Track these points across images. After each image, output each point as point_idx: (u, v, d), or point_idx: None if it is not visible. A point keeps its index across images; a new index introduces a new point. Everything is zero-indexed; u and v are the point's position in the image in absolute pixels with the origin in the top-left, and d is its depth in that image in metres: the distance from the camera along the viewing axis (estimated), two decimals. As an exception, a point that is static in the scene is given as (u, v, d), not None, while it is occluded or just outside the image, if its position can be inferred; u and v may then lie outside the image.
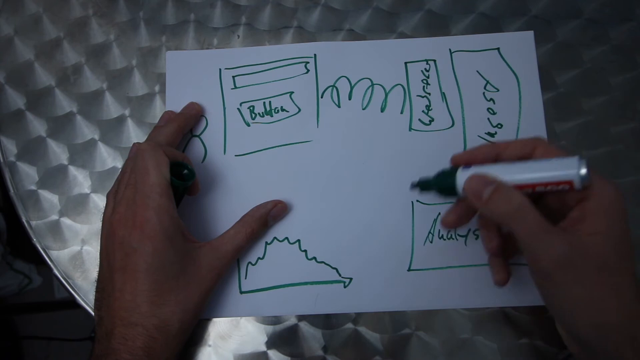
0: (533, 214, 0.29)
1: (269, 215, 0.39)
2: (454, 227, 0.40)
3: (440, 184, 0.35)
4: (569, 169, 0.29)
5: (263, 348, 0.39)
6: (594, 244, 0.28)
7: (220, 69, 0.44)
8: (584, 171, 0.29)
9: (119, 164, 0.43)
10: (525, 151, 0.32)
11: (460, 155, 0.35)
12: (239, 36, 0.45)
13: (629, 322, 0.28)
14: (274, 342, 0.39)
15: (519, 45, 0.44)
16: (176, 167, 0.37)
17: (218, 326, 0.40)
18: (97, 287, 0.36)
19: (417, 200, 0.41)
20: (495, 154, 0.33)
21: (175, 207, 0.35)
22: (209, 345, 0.39)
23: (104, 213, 0.36)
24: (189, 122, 0.42)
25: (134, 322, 0.32)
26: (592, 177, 0.30)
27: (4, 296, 0.93)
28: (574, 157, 0.30)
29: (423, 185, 0.36)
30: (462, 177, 0.33)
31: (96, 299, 0.35)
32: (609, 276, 0.28)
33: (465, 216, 0.36)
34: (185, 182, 0.37)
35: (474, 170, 0.33)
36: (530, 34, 0.44)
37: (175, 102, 0.43)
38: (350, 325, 0.40)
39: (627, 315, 0.28)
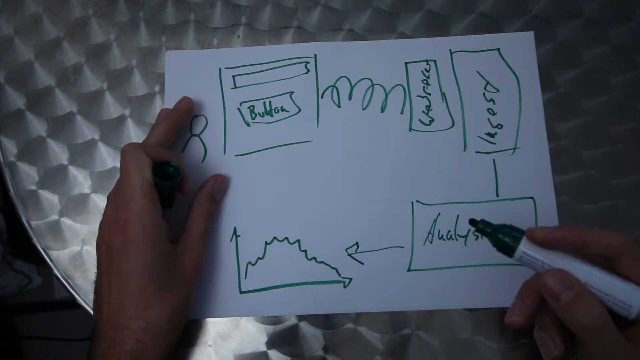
0: (612, 331, 0.28)
1: (214, 191, 0.40)
2: (521, 328, 0.33)
3: (499, 241, 0.33)
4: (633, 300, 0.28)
5: (263, 348, 0.39)
6: None
7: (220, 69, 0.44)
8: None
9: (119, 164, 0.43)
10: (612, 253, 0.30)
11: (537, 233, 0.31)
12: (239, 36, 0.45)
13: None
14: (274, 342, 0.39)
15: (519, 46, 0.44)
16: (162, 167, 0.36)
17: (218, 326, 0.40)
18: (94, 289, 0.36)
19: (417, 201, 0.41)
20: (581, 241, 0.30)
21: (159, 209, 0.35)
22: (209, 345, 0.39)
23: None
24: (182, 117, 0.41)
25: (121, 325, 0.32)
26: None
27: (4, 296, 0.93)
28: None
29: (481, 229, 0.34)
30: (526, 247, 0.32)
31: (93, 300, 0.35)
32: None
33: (533, 315, 0.32)
34: (171, 181, 0.37)
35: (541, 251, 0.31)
36: (530, 35, 0.44)
37: (175, 101, 0.43)
38: (350, 325, 0.40)
39: None
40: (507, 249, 0.32)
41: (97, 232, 0.41)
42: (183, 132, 0.42)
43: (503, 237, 0.32)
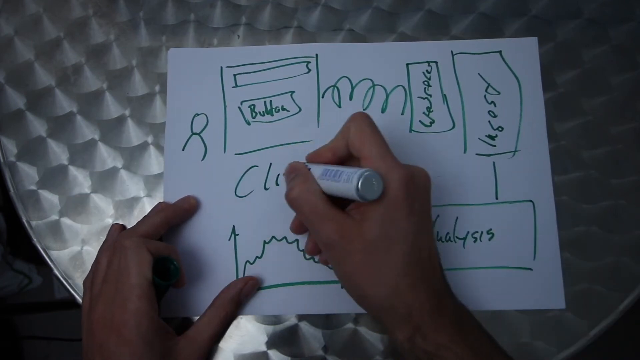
0: (310, 203, 0.32)
1: (240, 295, 0.38)
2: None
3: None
4: (351, 183, 0.30)
5: (263, 348, 0.39)
6: (361, 228, 0.31)
7: (221, 67, 0.44)
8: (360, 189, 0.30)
9: (119, 164, 0.43)
10: (345, 151, 0.34)
11: (309, 154, 0.36)
12: (239, 36, 0.45)
13: (388, 293, 0.31)
14: (274, 342, 0.39)
15: (522, 50, 0.43)
16: (161, 262, 0.35)
17: (218, 326, 0.40)
18: None
19: (417, 201, 0.41)
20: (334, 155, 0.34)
21: (157, 308, 0.34)
22: (209, 345, 0.39)
23: (82, 302, 0.36)
24: (178, 214, 0.40)
25: None
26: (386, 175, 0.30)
27: (4, 296, 0.93)
28: (357, 172, 0.30)
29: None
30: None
31: None
32: (372, 256, 0.31)
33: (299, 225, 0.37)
34: (169, 280, 0.36)
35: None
36: (534, 40, 0.43)
37: (176, 99, 0.43)
38: (350, 325, 0.40)
39: (387, 287, 0.31)
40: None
41: (97, 232, 0.41)
42: (183, 130, 0.42)
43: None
